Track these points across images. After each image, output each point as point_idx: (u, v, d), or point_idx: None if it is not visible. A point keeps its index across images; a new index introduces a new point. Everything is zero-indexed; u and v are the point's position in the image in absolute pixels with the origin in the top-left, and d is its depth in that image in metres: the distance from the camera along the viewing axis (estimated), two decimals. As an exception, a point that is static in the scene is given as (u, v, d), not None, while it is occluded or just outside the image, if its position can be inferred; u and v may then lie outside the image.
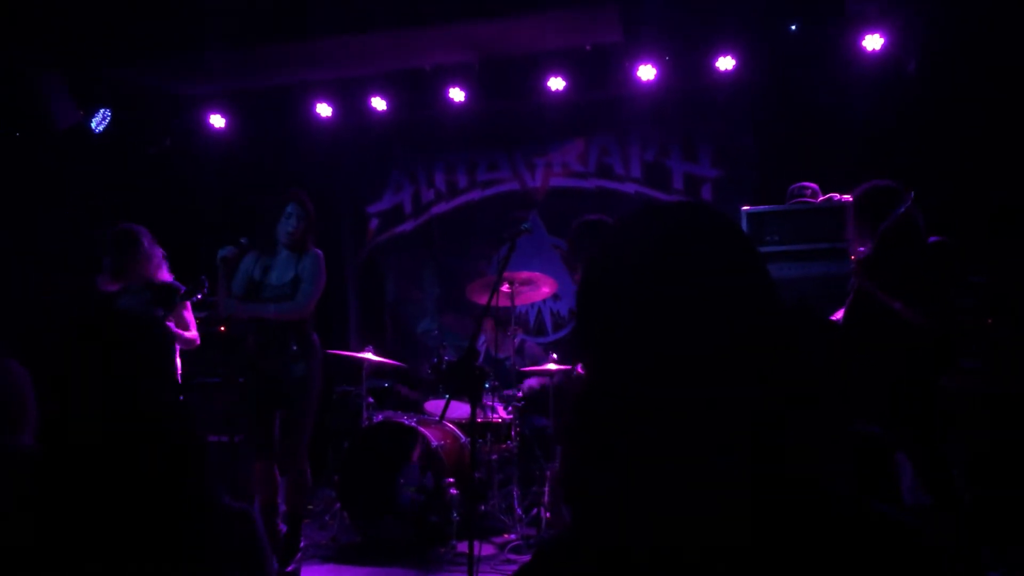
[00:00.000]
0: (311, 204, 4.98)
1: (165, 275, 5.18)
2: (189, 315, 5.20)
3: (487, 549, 5.32)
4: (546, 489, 5.57)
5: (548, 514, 5.45)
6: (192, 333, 5.16)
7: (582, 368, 1.01)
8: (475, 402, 4.21)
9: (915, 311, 3.82)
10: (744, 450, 0.87)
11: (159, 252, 5.19)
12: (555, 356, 6.03)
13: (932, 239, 3.93)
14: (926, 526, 0.88)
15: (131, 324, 1.83)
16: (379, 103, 7.17)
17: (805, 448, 0.90)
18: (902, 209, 3.85)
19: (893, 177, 4.17)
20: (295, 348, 4.83)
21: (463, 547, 5.10)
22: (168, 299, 4.95)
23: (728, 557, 0.85)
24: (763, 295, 0.93)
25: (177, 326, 5.08)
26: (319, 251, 4.96)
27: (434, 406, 6.04)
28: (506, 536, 5.53)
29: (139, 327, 1.80)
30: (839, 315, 4.17)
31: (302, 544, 5.03)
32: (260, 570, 1.61)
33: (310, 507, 6.24)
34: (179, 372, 5.21)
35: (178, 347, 5.12)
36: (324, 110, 7.31)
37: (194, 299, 5.04)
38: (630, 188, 7.43)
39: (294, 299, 4.81)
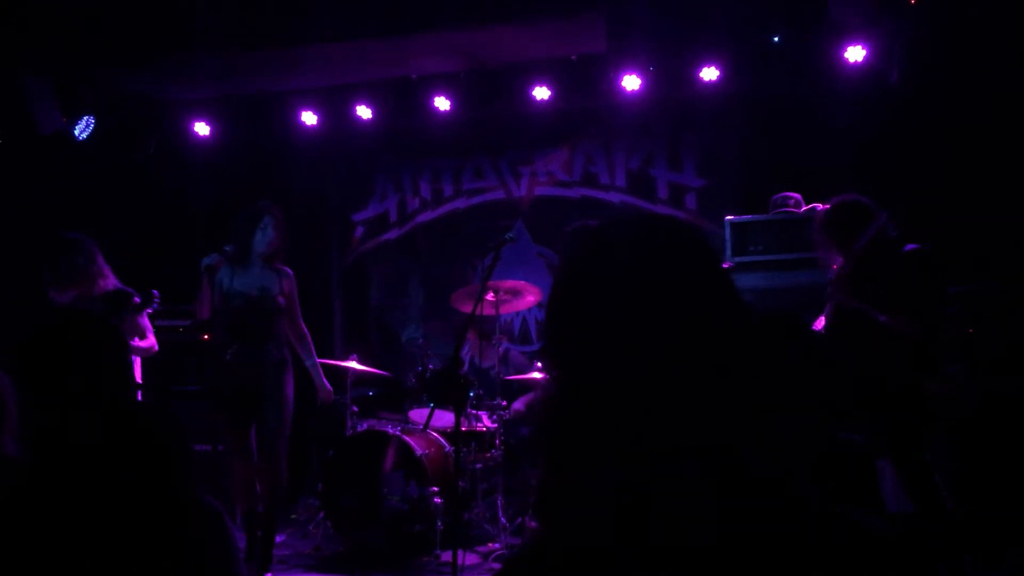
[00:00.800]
0: (283, 216, 5.02)
1: (112, 282, 5.11)
2: (145, 321, 5.13)
3: (471, 558, 5.31)
4: (531, 498, 5.56)
5: (533, 523, 5.44)
6: (149, 340, 5.11)
7: (547, 373, 1.02)
8: (459, 411, 4.21)
9: (901, 322, 3.84)
10: (711, 453, 0.88)
11: (102, 260, 5.11)
12: (540, 365, 6.04)
13: (909, 247, 3.95)
14: (899, 531, 0.89)
15: (100, 325, 1.82)
16: (364, 111, 7.17)
17: (774, 452, 0.91)
18: (872, 231, 3.89)
19: (876, 186, 4.22)
20: (275, 356, 4.85)
21: (447, 556, 5.08)
22: (122, 305, 4.93)
23: (694, 558, 0.85)
24: (727, 305, 0.96)
25: (132, 333, 5.01)
26: (290, 270, 5.05)
27: (418, 415, 6.03)
28: (490, 545, 5.51)
29: (107, 328, 1.80)
30: (819, 324, 4.19)
31: (284, 553, 5.01)
32: (232, 572, 1.60)
33: (293, 516, 6.21)
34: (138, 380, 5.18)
35: (136, 357, 5.09)
36: (309, 118, 7.30)
37: (147, 311, 5.05)
38: (615, 197, 7.45)
39: (303, 334, 5.09)
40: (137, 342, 5.02)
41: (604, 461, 0.90)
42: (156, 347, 5.16)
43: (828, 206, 4.23)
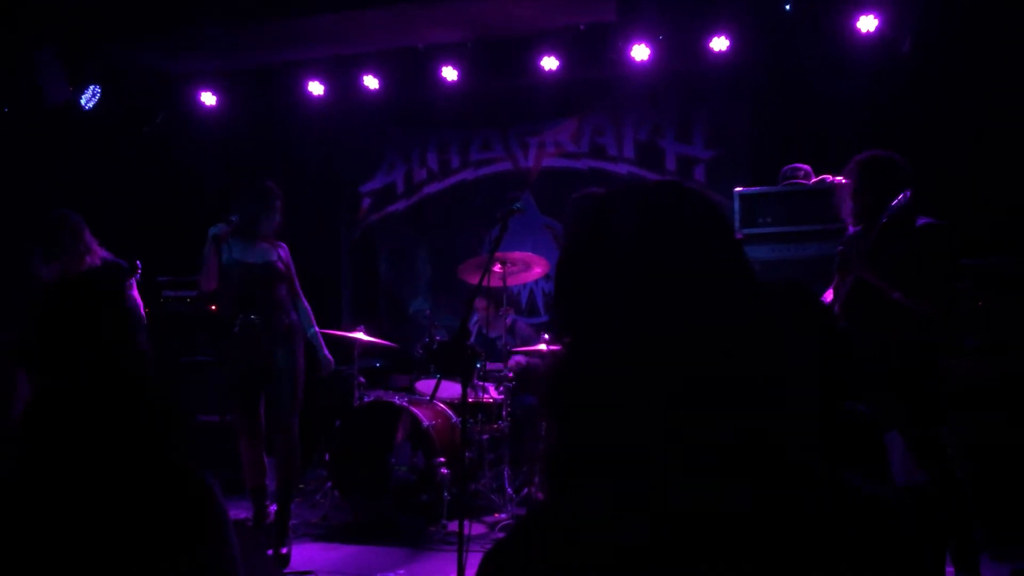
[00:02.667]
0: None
1: (101, 255, 5.11)
2: (135, 292, 5.15)
3: (477, 528, 5.34)
4: (537, 468, 5.58)
5: (540, 493, 5.47)
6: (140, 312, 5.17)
7: (557, 343, 1.01)
8: (466, 382, 4.21)
9: (916, 299, 3.80)
10: (724, 426, 0.87)
11: (89, 235, 5.11)
12: (547, 336, 6.04)
13: (921, 221, 3.90)
14: (915, 504, 0.88)
15: (109, 278, 1.82)
16: (371, 82, 7.13)
17: (784, 424, 0.90)
18: (897, 202, 3.82)
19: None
20: (280, 324, 4.87)
21: (454, 526, 5.11)
22: (117, 277, 4.95)
23: (700, 530, 0.85)
24: (741, 275, 0.94)
25: None
26: (283, 243, 5.14)
27: (425, 386, 6.04)
28: (497, 515, 5.54)
29: (114, 283, 1.79)
30: (828, 295, 4.15)
31: (293, 523, 5.04)
32: (223, 555, 1.59)
33: (301, 486, 6.25)
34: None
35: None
36: (316, 88, 7.26)
37: (133, 281, 5.08)
38: (623, 169, 7.41)
39: (302, 303, 5.11)
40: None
41: (613, 431, 0.89)
42: (144, 319, 5.18)
43: (863, 159, 4.08)
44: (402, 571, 4.68)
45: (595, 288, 0.94)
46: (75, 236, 4.96)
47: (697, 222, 0.96)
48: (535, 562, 0.90)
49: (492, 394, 5.95)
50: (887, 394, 3.83)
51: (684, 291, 0.90)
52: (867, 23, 5.93)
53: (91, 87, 6.73)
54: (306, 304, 5.15)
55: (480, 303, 6.11)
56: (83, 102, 6.71)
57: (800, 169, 5.53)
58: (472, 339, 6.60)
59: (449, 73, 6.92)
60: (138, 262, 5.11)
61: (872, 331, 3.87)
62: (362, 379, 6.00)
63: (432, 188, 7.98)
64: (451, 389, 5.86)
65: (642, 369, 0.89)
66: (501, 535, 4.56)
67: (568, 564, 0.87)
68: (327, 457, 5.64)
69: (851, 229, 4.14)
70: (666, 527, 0.85)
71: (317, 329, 5.20)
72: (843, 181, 5.07)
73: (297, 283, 5.12)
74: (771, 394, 0.90)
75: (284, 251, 5.07)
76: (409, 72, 7.11)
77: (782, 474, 0.87)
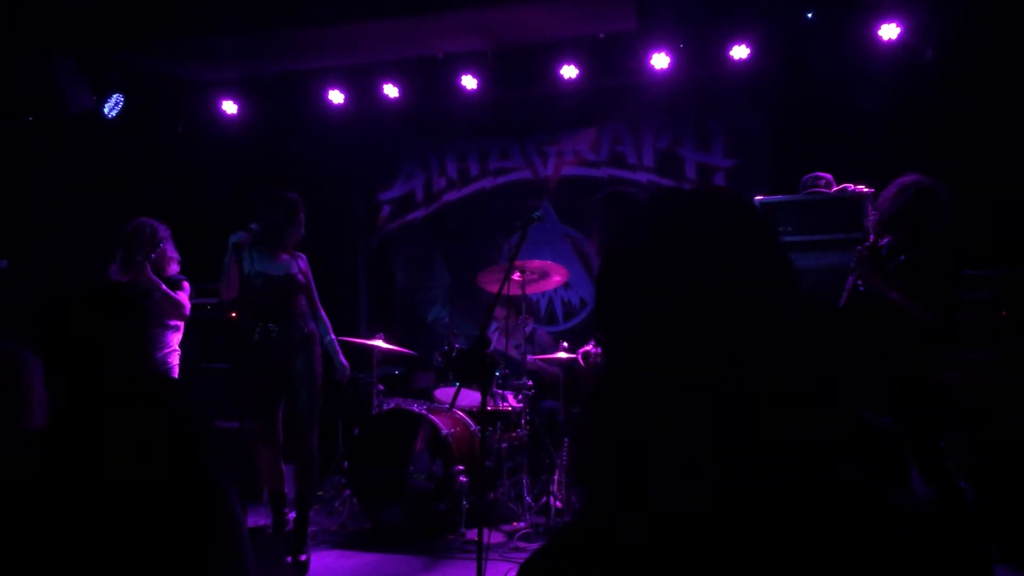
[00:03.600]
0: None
1: (174, 269, 5.30)
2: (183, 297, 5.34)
3: (496, 537, 5.32)
4: (555, 477, 5.57)
5: (558, 502, 5.45)
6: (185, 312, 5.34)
7: (601, 351, 1.01)
8: (485, 390, 4.20)
9: (917, 305, 3.79)
10: (755, 434, 0.87)
11: (171, 250, 5.28)
12: (565, 345, 6.02)
13: (934, 230, 3.90)
14: (935, 517, 0.87)
15: (128, 295, 1.83)
16: (391, 90, 7.15)
17: (816, 436, 0.89)
18: (903, 200, 3.81)
19: (908, 167, 4.13)
20: (299, 334, 4.89)
21: (472, 535, 5.11)
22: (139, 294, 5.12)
23: (736, 539, 0.84)
24: (779, 284, 0.94)
25: (172, 311, 5.24)
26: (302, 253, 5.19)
27: (444, 394, 6.04)
28: (515, 524, 5.52)
29: (117, 303, 1.80)
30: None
31: (311, 530, 5.05)
32: (236, 557, 1.60)
33: (320, 493, 6.26)
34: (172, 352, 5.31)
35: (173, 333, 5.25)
36: (336, 97, 7.29)
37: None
38: (642, 177, 7.39)
39: (320, 313, 5.15)
40: (174, 320, 5.22)
41: (652, 441, 0.89)
42: (187, 309, 5.35)
43: (922, 185, 4.01)
44: (420, 579, 4.68)
45: (630, 294, 0.94)
46: (152, 247, 5.12)
47: (735, 227, 0.95)
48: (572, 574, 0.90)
49: (511, 402, 5.94)
50: (889, 406, 3.81)
51: (718, 296, 0.90)
52: (889, 31, 5.89)
53: (114, 96, 6.80)
54: (323, 314, 5.18)
55: (497, 313, 6.11)
56: (106, 111, 6.77)
57: (821, 178, 5.50)
58: (491, 348, 6.59)
59: (468, 82, 6.94)
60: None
61: (872, 336, 3.86)
62: (381, 387, 6.01)
63: (451, 196, 7.99)
64: (470, 397, 5.85)
65: (682, 377, 0.88)
66: (520, 544, 4.53)
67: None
68: (346, 464, 5.65)
69: (871, 238, 4.12)
70: (705, 536, 0.85)
71: (334, 337, 5.23)
72: (865, 190, 5.05)
73: (316, 294, 5.15)
74: (811, 403, 0.89)
75: (303, 262, 5.11)
76: (428, 81, 7.13)
77: (826, 486, 0.87)
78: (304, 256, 5.14)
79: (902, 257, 3.91)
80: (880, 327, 3.88)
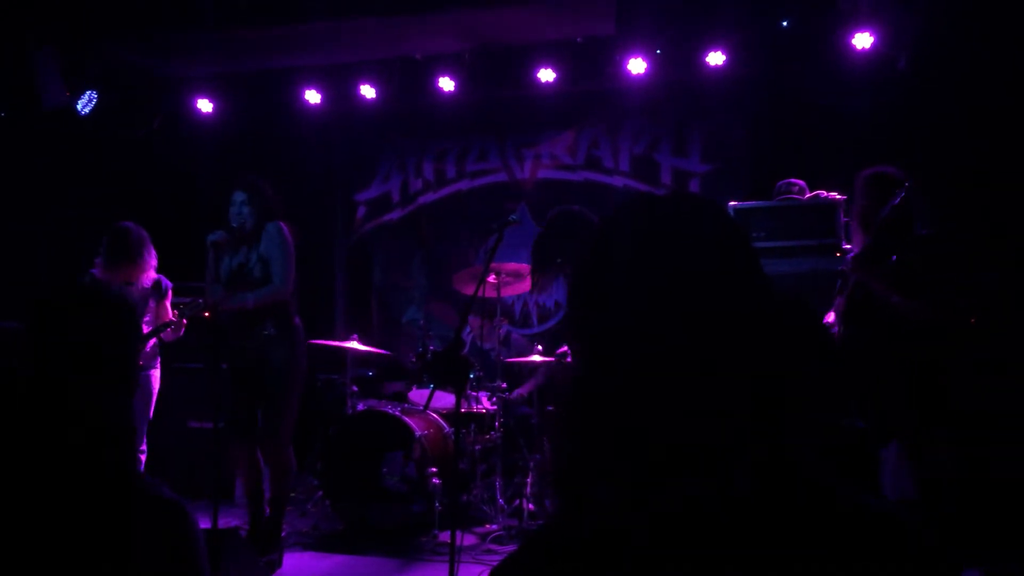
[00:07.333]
0: (267, 187, 4.96)
1: (150, 277, 5.30)
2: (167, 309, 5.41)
3: (469, 539, 5.31)
4: (529, 480, 5.57)
5: (531, 505, 5.45)
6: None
7: (571, 357, 1.02)
8: (459, 392, 4.20)
9: (914, 305, 3.80)
10: (733, 438, 0.87)
11: (150, 254, 5.28)
12: (540, 348, 6.04)
13: (921, 231, 3.92)
14: (911, 518, 0.88)
15: (92, 296, 1.80)
16: (368, 91, 7.13)
17: (790, 440, 0.90)
18: (897, 200, 3.83)
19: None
20: (273, 332, 4.79)
21: (445, 536, 5.10)
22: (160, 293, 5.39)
23: (715, 542, 0.85)
24: (750, 287, 0.94)
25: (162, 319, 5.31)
26: (280, 223, 4.87)
27: (418, 396, 6.03)
28: (488, 526, 5.52)
29: (101, 301, 1.77)
30: (830, 317, 4.15)
31: (284, 531, 5.01)
32: (191, 567, 1.56)
33: (292, 494, 6.22)
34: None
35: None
36: (313, 96, 7.26)
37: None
38: (618, 181, 7.42)
39: (270, 283, 4.78)
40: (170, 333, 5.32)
41: (627, 444, 0.89)
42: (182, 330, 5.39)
43: (868, 174, 4.10)
44: (392, 581, 4.66)
45: (603, 299, 0.95)
46: (134, 251, 5.12)
47: (707, 233, 0.96)
48: None
49: (485, 404, 5.94)
50: (880, 409, 3.83)
51: (694, 303, 0.90)
52: (862, 40, 5.95)
53: (88, 92, 6.73)
54: (276, 286, 4.80)
55: (472, 315, 6.11)
56: (79, 107, 6.70)
57: (795, 184, 5.55)
58: (466, 349, 6.60)
59: (446, 83, 6.93)
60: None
61: (868, 337, 3.88)
62: (355, 388, 5.99)
63: (428, 198, 7.99)
64: (444, 399, 5.84)
65: (653, 380, 0.89)
66: (493, 546, 4.52)
67: None
68: (319, 466, 5.62)
69: (844, 245, 4.15)
70: (678, 540, 0.86)
71: (251, 302, 4.76)
72: (837, 197, 5.10)
73: (279, 270, 4.81)
74: (782, 409, 0.90)
75: (273, 236, 4.87)
76: (406, 81, 7.11)
77: (798, 490, 0.88)
78: (272, 230, 4.84)
79: (893, 258, 3.93)
80: (877, 327, 3.89)
